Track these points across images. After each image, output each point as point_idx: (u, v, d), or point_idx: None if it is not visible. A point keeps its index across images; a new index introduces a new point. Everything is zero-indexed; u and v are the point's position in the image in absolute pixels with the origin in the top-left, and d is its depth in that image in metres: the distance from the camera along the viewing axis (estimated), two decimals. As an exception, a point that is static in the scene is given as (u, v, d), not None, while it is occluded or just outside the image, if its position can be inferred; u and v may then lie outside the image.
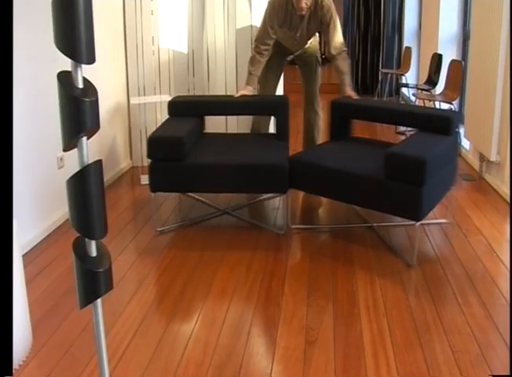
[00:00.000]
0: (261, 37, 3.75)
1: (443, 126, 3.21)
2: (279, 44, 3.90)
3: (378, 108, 3.61)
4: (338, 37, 3.75)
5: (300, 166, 3.22)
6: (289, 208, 3.48)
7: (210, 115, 4.04)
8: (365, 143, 3.64)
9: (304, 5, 3.57)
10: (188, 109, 3.81)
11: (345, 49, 3.81)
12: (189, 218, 3.65)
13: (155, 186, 3.28)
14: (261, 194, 3.99)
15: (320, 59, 4.21)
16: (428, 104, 6.17)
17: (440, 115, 3.29)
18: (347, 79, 3.75)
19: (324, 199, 3.95)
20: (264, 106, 3.77)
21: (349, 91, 3.73)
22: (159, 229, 3.43)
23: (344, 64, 3.76)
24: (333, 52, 3.74)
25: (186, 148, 3.24)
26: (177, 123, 3.54)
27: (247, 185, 3.26)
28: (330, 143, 3.62)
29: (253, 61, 3.76)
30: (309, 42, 4.03)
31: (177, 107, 3.81)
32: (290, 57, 4.17)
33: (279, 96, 4.15)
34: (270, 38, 3.72)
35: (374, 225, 3.48)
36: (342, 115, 3.70)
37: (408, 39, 8.55)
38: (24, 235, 3.11)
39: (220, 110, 3.86)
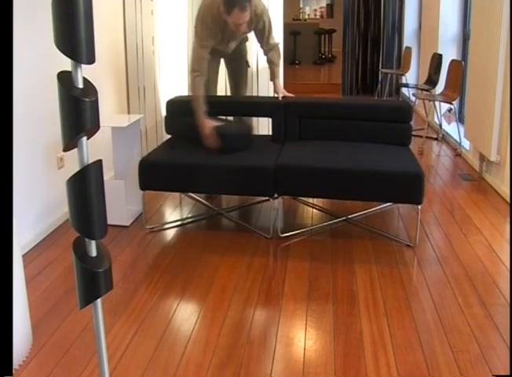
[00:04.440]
0: (197, 61, 3.53)
1: (403, 115, 3.56)
2: (212, 49, 3.68)
3: (334, 105, 3.65)
4: (271, 38, 3.74)
5: (291, 170, 3.16)
6: (280, 212, 3.47)
7: (207, 115, 4.02)
8: (328, 139, 3.68)
9: (244, 28, 3.47)
10: (186, 109, 3.81)
11: (278, 43, 3.83)
12: (186, 217, 3.65)
13: (144, 184, 3.32)
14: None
15: (248, 62, 4.13)
16: (428, 104, 6.17)
17: (399, 106, 3.60)
18: (277, 71, 3.84)
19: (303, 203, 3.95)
20: (261, 107, 3.76)
21: (279, 84, 3.82)
22: (149, 227, 3.44)
23: (276, 56, 3.80)
24: (266, 47, 3.76)
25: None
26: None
27: (234, 187, 3.24)
28: (293, 144, 3.59)
29: (199, 86, 3.53)
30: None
31: (175, 106, 3.81)
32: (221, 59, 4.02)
33: (276, 97, 4.14)
34: (206, 58, 3.54)
35: (364, 212, 3.49)
36: (297, 115, 3.69)
37: (408, 39, 8.55)
38: (24, 235, 3.11)
39: (217, 110, 3.85)
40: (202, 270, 2.89)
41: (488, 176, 4.38)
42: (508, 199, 3.85)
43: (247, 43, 4.04)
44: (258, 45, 3.84)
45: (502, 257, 3.02)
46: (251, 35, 4.00)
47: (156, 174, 3.29)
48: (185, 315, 2.47)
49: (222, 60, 4.00)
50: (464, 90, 5.56)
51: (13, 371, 2.06)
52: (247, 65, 4.09)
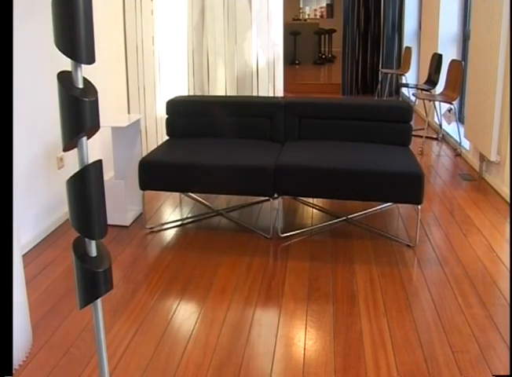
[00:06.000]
0: None
1: (403, 115, 3.56)
2: None
3: (334, 105, 3.64)
4: None
5: (291, 170, 3.17)
6: (280, 212, 3.47)
7: (207, 115, 4.02)
8: (328, 139, 3.66)
9: None
10: (186, 109, 3.81)
11: None
12: (186, 217, 3.65)
13: (144, 184, 3.32)
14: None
15: None
16: (428, 104, 6.17)
17: (399, 106, 3.59)
18: None
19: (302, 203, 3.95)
20: (261, 107, 3.75)
21: None
22: (149, 227, 3.44)
23: None
24: None
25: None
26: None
27: (234, 187, 3.24)
28: (293, 144, 3.59)
29: None
30: None
31: (175, 106, 3.81)
32: None
33: (276, 97, 4.14)
34: None
35: (365, 212, 3.49)
36: (297, 115, 3.68)
37: (408, 39, 8.56)
38: (24, 235, 3.11)
39: (216, 111, 3.84)
40: (202, 270, 2.89)
41: (488, 176, 4.38)
42: (508, 199, 3.85)
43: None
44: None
45: (502, 257, 3.02)
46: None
47: (156, 174, 3.29)
48: (185, 315, 2.46)
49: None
50: (464, 90, 5.56)
51: (13, 371, 2.06)
52: None
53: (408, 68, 7.55)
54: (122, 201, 3.44)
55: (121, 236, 3.35)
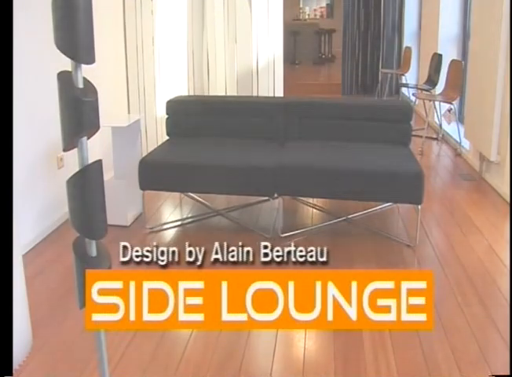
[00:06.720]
0: None
1: (403, 115, 3.55)
2: None
3: (334, 105, 3.63)
4: None
5: (291, 170, 3.16)
6: (280, 212, 3.44)
7: (207, 115, 4.02)
8: (328, 139, 3.64)
9: None
10: (186, 109, 3.80)
11: None
12: (186, 217, 3.64)
13: (144, 184, 3.32)
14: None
15: None
16: (428, 104, 6.17)
17: (399, 106, 3.63)
18: None
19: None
20: (261, 107, 3.75)
21: None
22: (149, 227, 3.44)
23: None
24: None
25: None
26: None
27: (234, 187, 3.24)
28: (293, 144, 3.57)
29: None
30: None
31: (175, 106, 3.81)
32: None
33: (277, 97, 4.14)
34: None
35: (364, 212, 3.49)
36: (297, 115, 3.67)
37: (408, 39, 8.55)
38: (24, 235, 3.10)
39: (217, 111, 3.84)
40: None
41: (488, 176, 4.37)
42: (508, 199, 3.85)
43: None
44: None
45: (502, 257, 3.02)
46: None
47: (156, 174, 3.29)
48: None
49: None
50: (464, 90, 5.56)
51: (13, 371, 2.06)
52: None
53: (408, 68, 7.54)
54: (122, 201, 3.43)
55: (121, 236, 3.35)
